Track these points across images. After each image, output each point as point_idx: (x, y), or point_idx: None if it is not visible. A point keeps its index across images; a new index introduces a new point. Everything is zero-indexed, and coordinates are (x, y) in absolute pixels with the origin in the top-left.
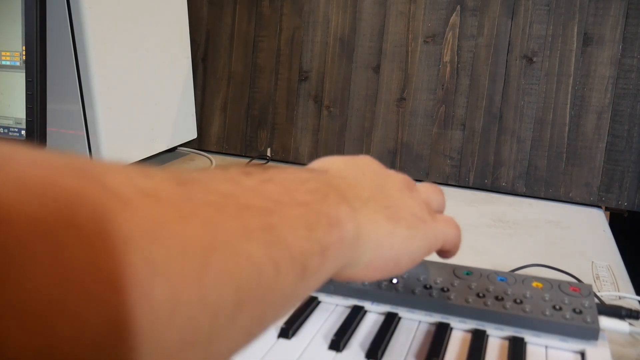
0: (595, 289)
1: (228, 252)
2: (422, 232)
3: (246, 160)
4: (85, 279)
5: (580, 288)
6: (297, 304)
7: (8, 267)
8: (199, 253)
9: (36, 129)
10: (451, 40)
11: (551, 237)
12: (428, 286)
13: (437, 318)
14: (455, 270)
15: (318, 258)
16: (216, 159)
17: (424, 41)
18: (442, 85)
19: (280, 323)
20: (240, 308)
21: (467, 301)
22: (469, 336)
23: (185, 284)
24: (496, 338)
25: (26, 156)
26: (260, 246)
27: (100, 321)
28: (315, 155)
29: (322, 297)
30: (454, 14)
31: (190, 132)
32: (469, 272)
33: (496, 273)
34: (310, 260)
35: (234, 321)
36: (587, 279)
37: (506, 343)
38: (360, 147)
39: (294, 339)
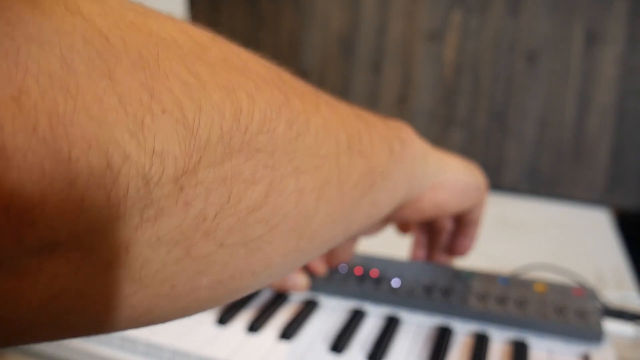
0: (599, 291)
1: (338, 109)
2: (475, 168)
3: None
4: None
5: (583, 290)
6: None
7: None
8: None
9: None
10: (453, 39)
11: (555, 238)
12: (429, 288)
13: (438, 321)
14: (457, 272)
15: (394, 163)
16: None
17: (426, 40)
18: (444, 85)
19: (281, 324)
20: (351, 150)
21: (468, 304)
22: (470, 339)
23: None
24: (498, 341)
25: None
26: (362, 123)
27: None
28: None
29: (322, 298)
30: (455, 13)
31: None
32: (471, 274)
33: (498, 276)
34: (393, 145)
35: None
36: (591, 280)
37: (508, 347)
38: None
39: (295, 341)
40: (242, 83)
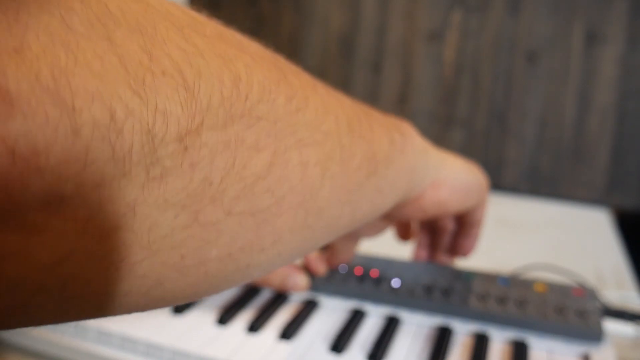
0: (599, 291)
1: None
2: (476, 168)
3: None
4: None
5: (584, 290)
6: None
7: None
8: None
9: None
10: (453, 39)
11: (555, 238)
12: (429, 288)
13: (438, 321)
14: (457, 272)
15: (396, 151)
16: None
17: (426, 40)
18: (444, 85)
19: (281, 324)
20: (352, 132)
21: (468, 304)
22: (470, 339)
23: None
24: (498, 341)
25: None
26: (361, 110)
27: None
28: None
29: (322, 298)
30: (455, 13)
31: None
32: (471, 274)
33: (498, 276)
34: (393, 135)
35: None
36: (591, 280)
37: (509, 347)
38: None
39: (295, 341)
40: (239, 56)
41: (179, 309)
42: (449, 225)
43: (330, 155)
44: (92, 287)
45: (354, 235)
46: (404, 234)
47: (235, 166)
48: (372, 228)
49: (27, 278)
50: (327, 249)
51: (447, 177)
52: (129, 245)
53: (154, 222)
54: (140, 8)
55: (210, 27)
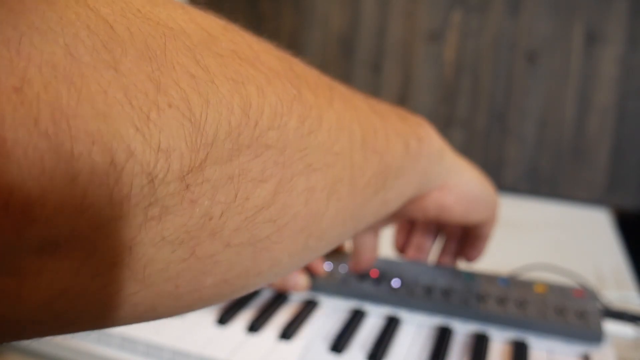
0: (599, 291)
1: (350, 102)
2: (490, 185)
3: None
4: None
5: (584, 291)
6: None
7: None
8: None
9: None
10: (453, 39)
11: (555, 238)
12: (429, 289)
13: (438, 321)
14: (457, 273)
15: (409, 157)
16: None
17: (426, 40)
18: (444, 85)
19: (281, 324)
20: (365, 147)
21: (468, 304)
22: (470, 339)
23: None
24: (498, 342)
25: None
26: (378, 118)
27: None
28: None
29: (322, 298)
30: (455, 13)
31: None
32: (471, 275)
33: (498, 276)
34: (409, 141)
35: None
36: (591, 281)
37: (509, 347)
38: None
39: (295, 341)
40: (252, 76)
41: None
42: (455, 233)
43: (339, 178)
44: (84, 316)
45: (372, 230)
46: (402, 242)
47: (237, 199)
48: (376, 224)
49: (21, 315)
50: (351, 255)
51: (457, 183)
52: (124, 281)
53: (150, 258)
54: (150, 28)
55: (225, 41)
